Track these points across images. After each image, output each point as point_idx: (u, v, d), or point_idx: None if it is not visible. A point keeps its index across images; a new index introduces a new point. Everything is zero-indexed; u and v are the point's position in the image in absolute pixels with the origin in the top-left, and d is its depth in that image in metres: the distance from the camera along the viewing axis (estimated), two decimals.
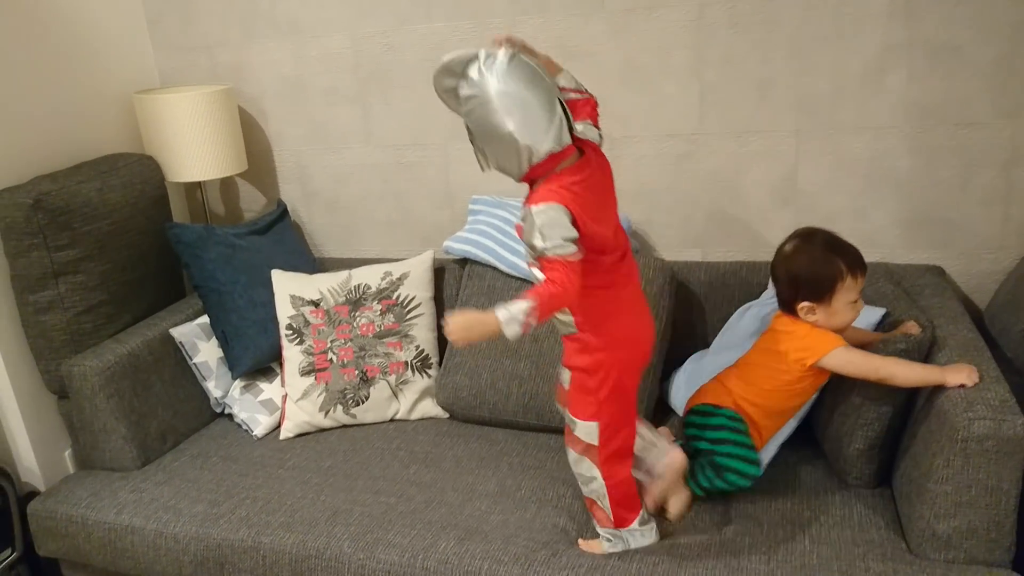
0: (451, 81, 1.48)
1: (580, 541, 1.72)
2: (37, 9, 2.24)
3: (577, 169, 1.51)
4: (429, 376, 2.25)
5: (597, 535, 1.71)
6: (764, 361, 1.78)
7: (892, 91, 2.04)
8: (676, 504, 1.75)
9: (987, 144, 2.01)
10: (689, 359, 2.15)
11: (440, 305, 2.34)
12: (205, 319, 2.31)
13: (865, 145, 2.09)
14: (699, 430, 1.81)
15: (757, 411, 1.76)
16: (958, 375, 1.55)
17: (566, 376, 1.66)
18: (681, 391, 2.09)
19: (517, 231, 1.52)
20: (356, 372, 2.20)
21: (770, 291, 2.09)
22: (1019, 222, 2.05)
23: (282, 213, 2.57)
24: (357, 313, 2.24)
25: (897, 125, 2.06)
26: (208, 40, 2.58)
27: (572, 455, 1.68)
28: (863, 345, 1.71)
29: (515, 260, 2.16)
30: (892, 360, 1.63)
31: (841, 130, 2.10)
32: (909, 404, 1.70)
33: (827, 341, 1.69)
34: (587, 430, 1.63)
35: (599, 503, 1.69)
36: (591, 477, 1.67)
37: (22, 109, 2.19)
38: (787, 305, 1.76)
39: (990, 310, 2.01)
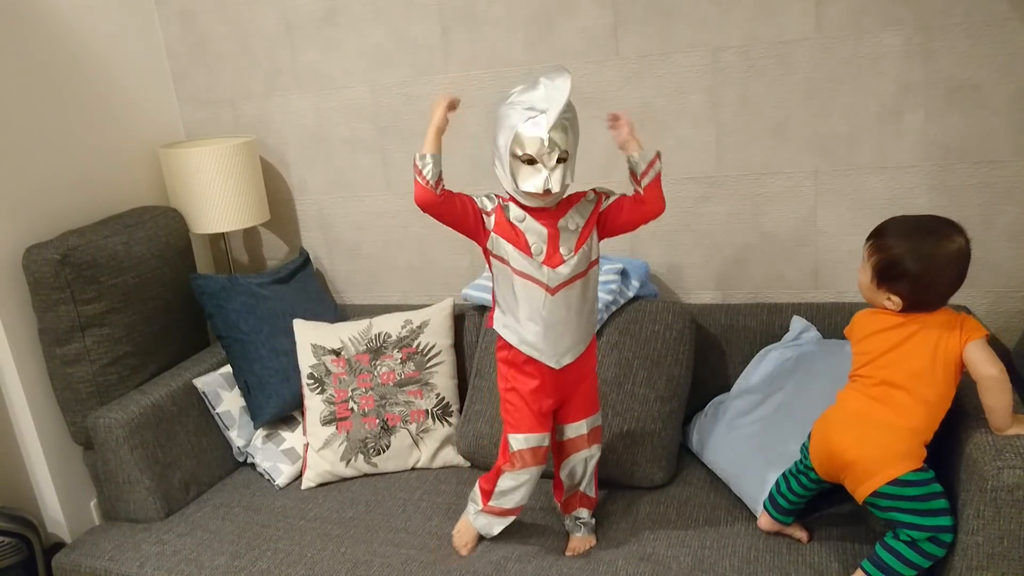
0: (565, 112, 1.56)
1: (569, 550, 1.80)
2: (64, 67, 2.31)
3: None
4: (450, 424, 2.24)
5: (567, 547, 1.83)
6: (926, 364, 1.56)
7: (911, 130, 2.03)
8: None
9: (1010, 182, 1.99)
10: (710, 403, 2.12)
11: (460, 353, 2.34)
12: (228, 369, 2.33)
13: (885, 185, 2.08)
14: (898, 508, 1.54)
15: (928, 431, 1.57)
16: (1020, 427, 1.50)
17: (590, 385, 1.80)
18: (702, 435, 2.06)
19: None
20: (377, 421, 2.20)
21: (792, 333, 2.07)
22: None
23: (304, 261, 2.60)
24: (378, 362, 2.25)
25: (917, 164, 2.04)
26: (232, 94, 2.64)
27: (593, 453, 1.82)
28: None
29: None
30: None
31: (860, 170, 2.09)
32: (936, 451, 1.66)
33: (979, 325, 1.56)
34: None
35: (590, 487, 1.85)
36: (596, 461, 1.84)
37: (50, 166, 2.25)
38: (944, 300, 1.59)
39: (1019, 349, 1.97)
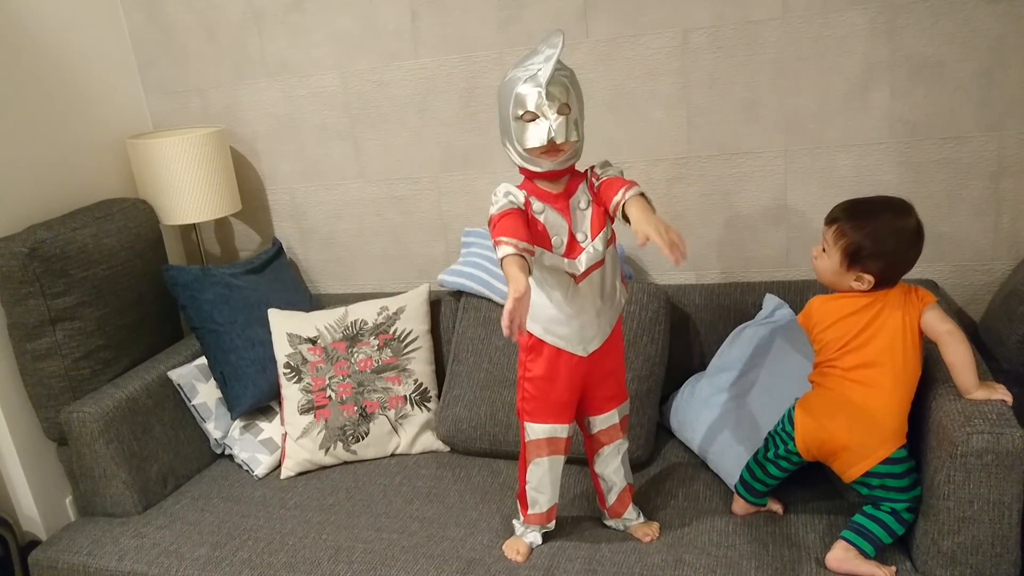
0: (560, 70, 1.54)
1: (640, 536, 1.78)
2: (28, 59, 2.26)
3: None
4: (428, 410, 2.24)
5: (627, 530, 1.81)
6: (898, 344, 1.61)
7: (877, 108, 2.06)
8: None
9: (974, 157, 2.03)
10: (686, 382, 2.14)
11: (437, 338, 2.34)
12: (203, 360, 2.31)
13: (853, 162, 2.11)
14: (885, 486, 1.60)
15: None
16: (987, 392, 1.54)
17: (618, 373, 1.76)
18: (679, 413, 2.09)
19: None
20: (355, 408, 2.20)
21: (765, 311, 2.09)
22: (1009, 233, 2.06)
23: (278, 251, 2.58)
24: (355, 349, 2.24)
25: (883, 141, 2.07)
26: (199, 83, 2.61)
27: (626, 443, 1.78)
28: None
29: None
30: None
31: (828, 148, 2.12)
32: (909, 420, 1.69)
33: (929, 293, 1.63)
34: None
35: (629, 475, 1.80)
36: (626, 450, 1.80)
37: (16, 158, 2.21)
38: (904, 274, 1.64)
39: (985, 322, 2.01)
